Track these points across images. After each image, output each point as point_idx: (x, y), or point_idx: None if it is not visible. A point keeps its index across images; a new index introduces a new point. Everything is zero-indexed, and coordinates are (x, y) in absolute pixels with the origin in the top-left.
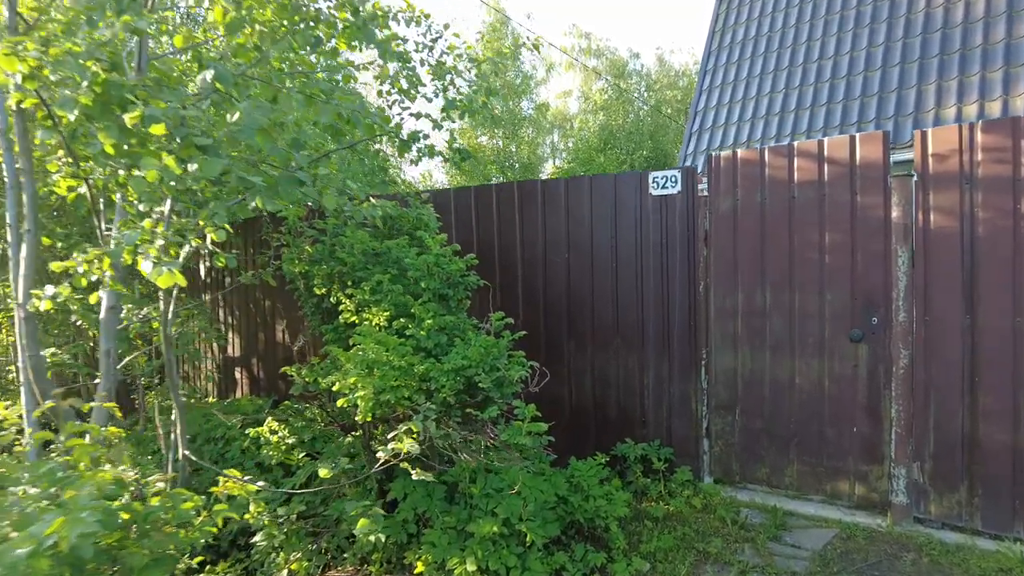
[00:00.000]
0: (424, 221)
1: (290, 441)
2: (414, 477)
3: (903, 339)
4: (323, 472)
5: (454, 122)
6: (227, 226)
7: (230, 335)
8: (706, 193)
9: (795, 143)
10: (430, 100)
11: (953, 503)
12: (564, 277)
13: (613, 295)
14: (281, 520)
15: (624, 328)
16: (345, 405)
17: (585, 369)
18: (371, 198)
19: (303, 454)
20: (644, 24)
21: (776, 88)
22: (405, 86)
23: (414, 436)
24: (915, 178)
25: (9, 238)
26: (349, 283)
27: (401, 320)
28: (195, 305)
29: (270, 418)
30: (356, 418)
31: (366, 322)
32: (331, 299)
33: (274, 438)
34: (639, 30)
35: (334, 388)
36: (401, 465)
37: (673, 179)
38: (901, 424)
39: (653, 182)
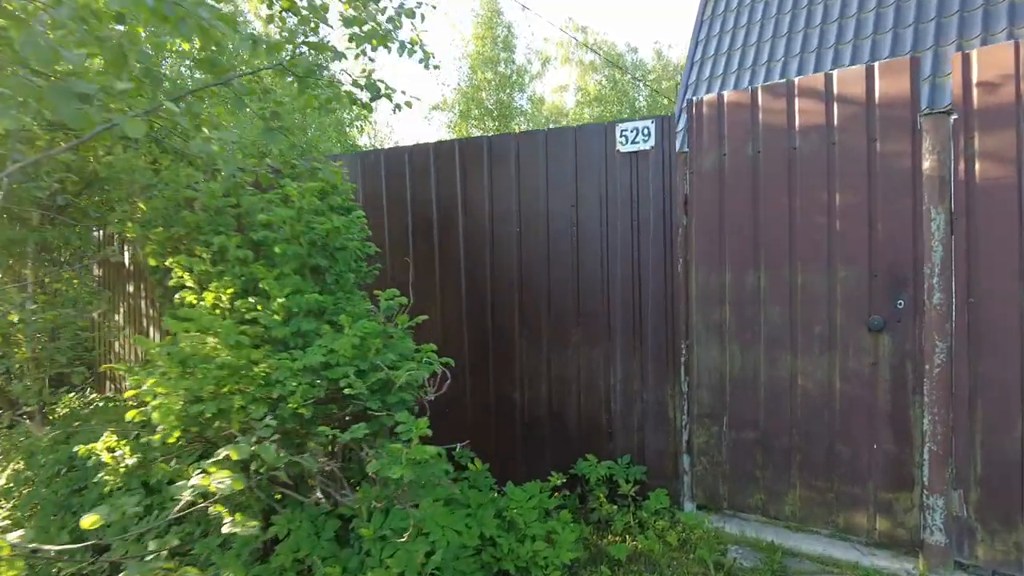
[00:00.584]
0: (330, 183)
1: (130, 462)
2: (224, 530)
3: (939, 327)
4: (86, 522)
5: (368, 56)
6: None
7: (151, 330)
8: (687, 148)
9: (796, 79)
10: (332, 27)
11: (1009, 545)
12: (515, 254)
13: (573, 276)
14: (150, 558)
15: (586, 317)
16: (136, 420)
17: (540, 368)
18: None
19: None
20: (642, 22)
21: (779, 32)
22: (305, 10)
23: (236, 466)
24: (955, 116)
25: None
26: (196, 251)
27: (250, 299)
28: (85, 290)
29: (108, 432)
30: (153, 439)
31: (203, 302)
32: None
33: (109, 458)
34: (638, 27)
35: (126, 394)
36: (216, 517)
37: (645, 131)
38: (937, 439)
39: (621, 136)
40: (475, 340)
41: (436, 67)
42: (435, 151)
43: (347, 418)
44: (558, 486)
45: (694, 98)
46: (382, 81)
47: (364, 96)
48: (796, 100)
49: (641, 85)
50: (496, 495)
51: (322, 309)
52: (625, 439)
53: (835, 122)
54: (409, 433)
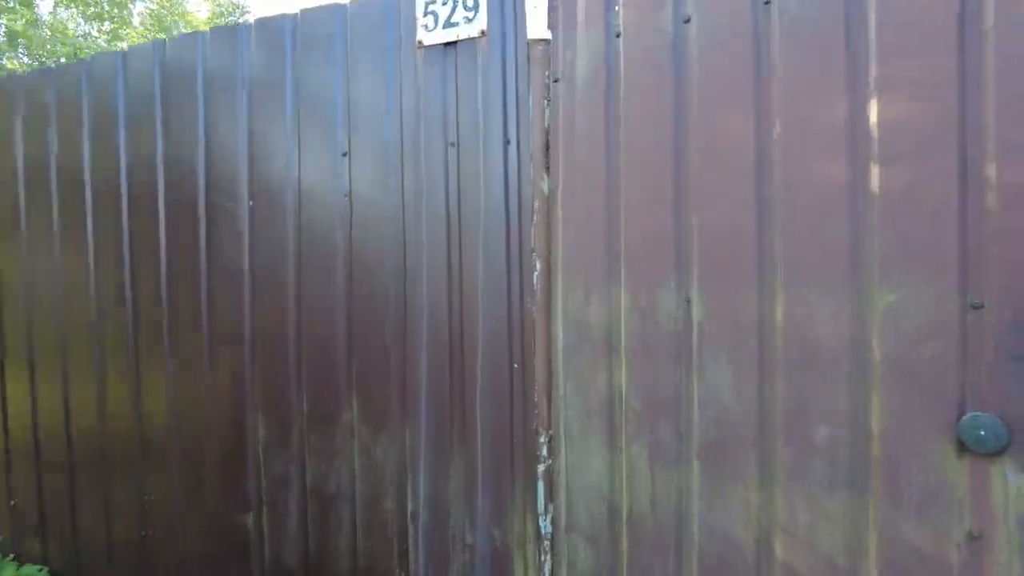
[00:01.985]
0: None
1: None
2: None
3: None
4: None
5: None
6: None
7: None
8: (548, 35)
9: None
10: None
11: None
12: (245, 258)
13: (344, 298)
14: None
15: (366, 380)
16: None
17: (289, 477)
18: None
19: None
20: None
21: None
22: None
23: None
24: None
25: None
26: None
27: None
28: None
29: None
30: None
31: None
32: None
33: None
34: None
35: None
36: None
37: (469, 2)
38: None
39: (427, 12)
40: (192, 420)
41: None
42: (125, 62)
43: None
44: None
45: None
46: None
47: None
48: None
49: None
50: None
51: None
52: None
53: None
54: None
